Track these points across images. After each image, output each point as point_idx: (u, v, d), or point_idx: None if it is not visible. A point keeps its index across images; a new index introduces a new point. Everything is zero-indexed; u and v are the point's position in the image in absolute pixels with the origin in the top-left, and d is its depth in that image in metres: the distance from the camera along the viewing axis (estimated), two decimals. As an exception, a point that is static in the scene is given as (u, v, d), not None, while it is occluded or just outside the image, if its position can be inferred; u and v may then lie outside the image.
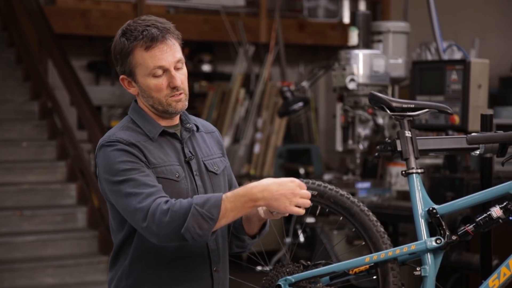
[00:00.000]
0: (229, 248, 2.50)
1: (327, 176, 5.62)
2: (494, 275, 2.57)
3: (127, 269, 2.34)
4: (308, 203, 2.24)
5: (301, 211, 2.24)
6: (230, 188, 2.53)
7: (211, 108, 8.47)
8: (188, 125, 2.41)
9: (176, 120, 2.41)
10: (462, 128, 4.62)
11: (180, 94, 2.33)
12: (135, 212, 2.20)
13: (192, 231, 2.14)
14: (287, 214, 2.31)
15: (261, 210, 2.33)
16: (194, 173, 2.36)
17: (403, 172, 2.69)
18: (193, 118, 2.49)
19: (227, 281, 2.46)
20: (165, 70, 2.30)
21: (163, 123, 2.38)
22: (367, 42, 5.29)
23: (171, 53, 2.30)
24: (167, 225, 2.16)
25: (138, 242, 2.32)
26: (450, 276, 4.54)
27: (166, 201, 2.18)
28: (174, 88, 2.31)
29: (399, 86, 5.53)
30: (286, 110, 5.89)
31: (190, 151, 2.38)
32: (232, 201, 2.18)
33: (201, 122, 2.52)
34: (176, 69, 2.32)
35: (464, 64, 4.65)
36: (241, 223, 2.44)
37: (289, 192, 2.20)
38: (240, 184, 2.59)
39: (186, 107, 2.37)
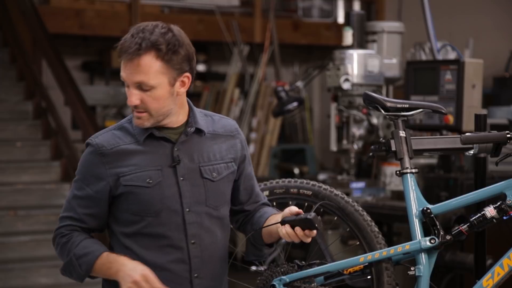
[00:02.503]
0: (246, 255, 2.50)
1: (321, 176, 5.62)
2: (488, 275, 2.58)
3: None
4: None
5: None
6: (251, 195, 2.50)
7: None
8: (189, 128, 2.36)
9: (178, 122, 2.36)
10: (456, 128, 4.62)
11: (140, 112, 2.28)
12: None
13: (67, 275, 2.35)
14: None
15: (283, 232, 2.31)
16: (179, 178, 2.32)
17: (398, 172, 2.69)
18: (217, 118, 2.44)
19: (218, 286, 2.42)
20: (127, 85, 2.27)
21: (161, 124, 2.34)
22: (361, 42, 5.29)
23: (135, 72, 2.23)
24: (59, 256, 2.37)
25: (116, 247, 2.38)
26: (444, 276, 4.55)
27: (65, 235, 2.33)
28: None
29: (394, 86, 5.53)
30: (280, 110, 5.89)
31: (178, 155, 2.33)
32: (101, 266, 2.28)
33: (223, 122, 2.45)
34: (142, 89, 2.26)
35: (458, 64, 4.65)
36: (261, 234, 2.43)
37: (131, 281, 2.23)
38: None
39: (151, 126, 2.30)
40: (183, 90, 2.32)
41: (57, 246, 2.35)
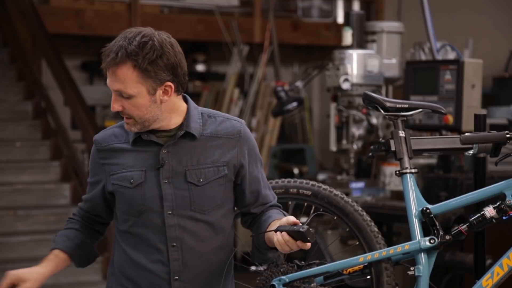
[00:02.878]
0: (252, 258, 2.49)
1: (321, 176, 5.62)
2: (488, 275, 2.58)
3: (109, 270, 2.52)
4: None
5: None
6: (257, 199, 2.47)
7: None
8: (179, 132, 2.36)
9: (171, 125, 2.36)
10: (456, 128, 4.62)
11: (126, 118, 2.33)
12: None
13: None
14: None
15: (275, 240, 2.29)
16: (162, 180, 2.33)
17: (397, 172, 2.70)
18: (220, 119, 2.42)
19: None
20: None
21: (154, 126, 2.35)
22: (361, 42, 5.29)
23: (113, 81, 2.28)
24: None
25: (115, 241, 2.47)
26: (443, 276, 4.55)
27: (73, 214, 2.54)
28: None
29: (393, 86, 5.53)
30: (280, 110, 5.89)
31: (163, 158, 2.34)
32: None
33: (226, 124, 2.42)
34: (122, 97, 2.30)
35: (457, 64, 4.65)
36: (263, 239, 2.40)
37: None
38: None
39: (139, 130, 2.34)
40: (167, 98, 2.32)
41: None
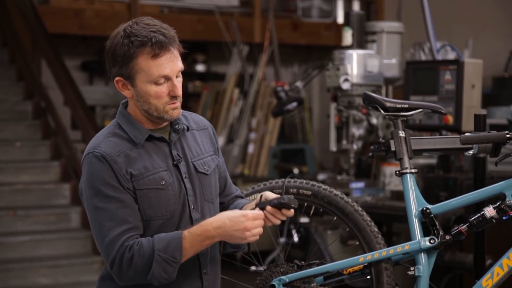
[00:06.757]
0: (223, 248, 2.50)
1: (321, 176, 5.62)
2: (488, 275, 2.58)
3: None
4: (257, 237, 2.26)
5: (256, 238, 2.27)
6: (225, 186, 2.52)
7: (205, 108, 8.47)
8: (177, 126, 2.37)
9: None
10: (456, 128, 4.63)
11: (177, 102, 2.31)
12: (101, 249, 2.26)
13: (158, 276, 2.22)
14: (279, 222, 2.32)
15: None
16: (183, 175, 2.34)
17: (397, 172, 2.70)
18: (186, 114, 2.46)
19: (218, 281, 2.45)
20: (168, 79, 2.28)
21: (152, 125, 2.35)
22: (361, 42, 5.29)
23: (175, 62, 2.28)
24: (132, 276, 2.23)
25: None
26: (443, 276, 4.55)
27: (131, 247, 2.21)
28: (174, 97, 2.29)
29: (393, 86, 5.53)
30: (280, 110, 5.89)
31: (178, 154, 2.35)
32: (190, 241, 2.23)
33: (194, 118, 2.48)
34: (176, 77, 2.30)
35: (457, 64, 4.65)
36: None
37: (242, 228, 2.23)
38: (235, 184, 2.60)
39: (181, 113, 2.35)
40: None
41: (127, 263, 2.21)
